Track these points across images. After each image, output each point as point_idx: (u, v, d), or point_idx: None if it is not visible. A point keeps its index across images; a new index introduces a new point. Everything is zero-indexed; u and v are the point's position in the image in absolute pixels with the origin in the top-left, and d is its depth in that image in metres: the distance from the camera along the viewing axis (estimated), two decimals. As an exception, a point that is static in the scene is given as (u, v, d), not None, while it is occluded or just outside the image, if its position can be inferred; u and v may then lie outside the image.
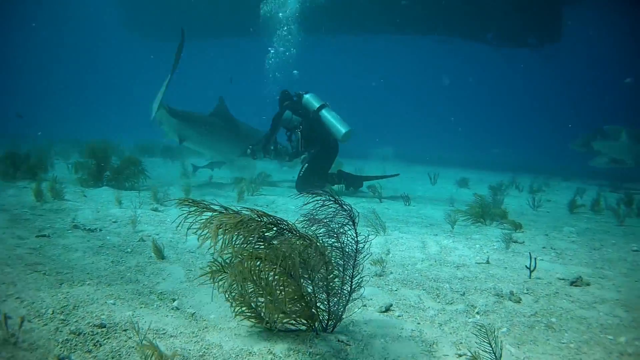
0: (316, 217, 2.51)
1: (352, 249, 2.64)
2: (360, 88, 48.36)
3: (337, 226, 2.56)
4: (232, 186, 8.98)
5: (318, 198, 2.51)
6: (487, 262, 4.51)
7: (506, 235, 5.43)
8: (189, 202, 2.34)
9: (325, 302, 2.63)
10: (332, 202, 2.55)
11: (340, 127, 8.69)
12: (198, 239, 2.27)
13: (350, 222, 2.58)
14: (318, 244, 2.44)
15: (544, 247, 5.30)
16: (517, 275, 4.14)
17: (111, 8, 30.41)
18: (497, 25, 21.93)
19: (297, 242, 2.37)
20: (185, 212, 2.33)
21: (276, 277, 2.40)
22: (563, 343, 2.84)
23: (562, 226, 6.71)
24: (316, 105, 8.93)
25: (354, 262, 2.65)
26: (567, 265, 4.57)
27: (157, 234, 4.85)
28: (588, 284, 3.89)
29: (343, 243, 2.59)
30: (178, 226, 2.31)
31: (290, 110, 9.12)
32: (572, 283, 3.85)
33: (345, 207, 2.58)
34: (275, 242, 2.40)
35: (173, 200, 5.03)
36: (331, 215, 2.54)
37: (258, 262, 2.38)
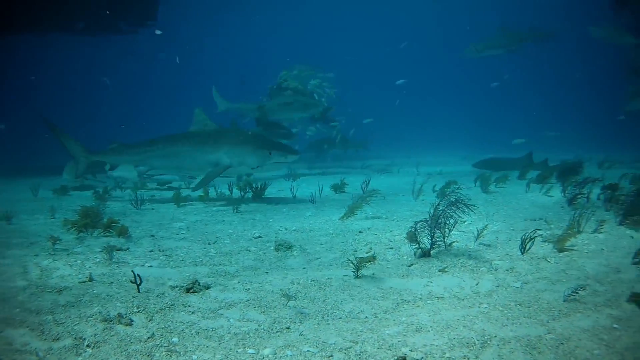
0: None
1: None
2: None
3: None
4: None
5: None
6: (90, 279, 3.86)
7: (108, 244, 4.67)
8: None
9: None
10: None
11: None
12: None
13: None
14: None
15: (151, 251, 4.80)
16: (124, 291, 3.59)
17: None
18: (83, 13, 19.66)
19: None
20: None
21: None
22: (194, 370, 2.32)
23: (171, 222, 6.36)
24: None
25: None
26: (180, 267, 4.17)
27: None
28: (208, 287, 3.54)
29: None
30: None
31: None
32: (189, 290, 3.42)
33: None
34: None
35: None
36: None
37: None
